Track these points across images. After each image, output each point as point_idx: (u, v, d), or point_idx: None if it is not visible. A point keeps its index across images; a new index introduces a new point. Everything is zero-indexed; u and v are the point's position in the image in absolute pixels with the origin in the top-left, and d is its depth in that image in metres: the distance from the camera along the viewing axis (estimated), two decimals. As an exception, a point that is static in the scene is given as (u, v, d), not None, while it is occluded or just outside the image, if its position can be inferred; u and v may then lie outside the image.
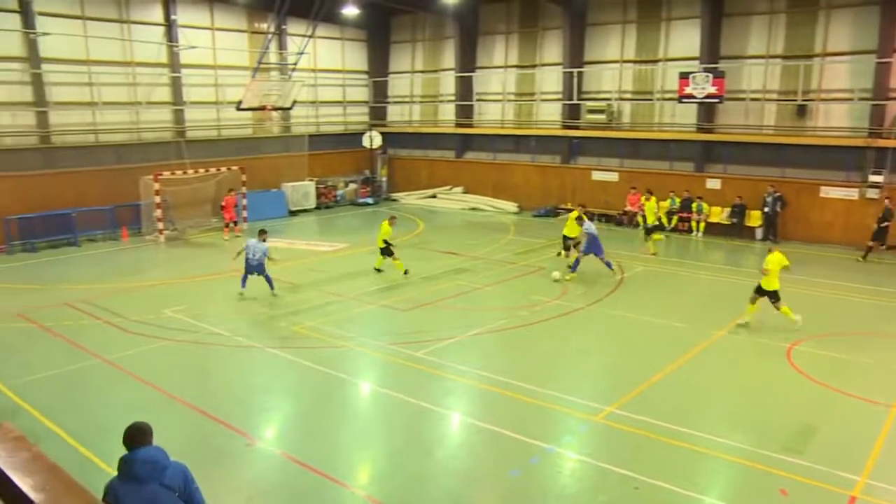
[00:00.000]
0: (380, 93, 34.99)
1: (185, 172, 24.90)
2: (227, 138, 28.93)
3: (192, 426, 9.71)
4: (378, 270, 18.03)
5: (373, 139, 32.57)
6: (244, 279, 15.96)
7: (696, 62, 24.82)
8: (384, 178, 33.96)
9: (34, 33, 22.64)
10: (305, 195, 30.10)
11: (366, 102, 35.15)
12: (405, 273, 17.29)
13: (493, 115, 31.26)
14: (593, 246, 16.88)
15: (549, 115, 29.41)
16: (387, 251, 17.81)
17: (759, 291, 13.43)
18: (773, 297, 13.28)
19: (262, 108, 25.60)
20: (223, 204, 23.60)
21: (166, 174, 24.18)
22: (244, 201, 26.31)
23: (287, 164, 30.44)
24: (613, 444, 9.12)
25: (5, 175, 22.58)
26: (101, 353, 12.41)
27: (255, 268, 15.83)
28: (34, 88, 23.19)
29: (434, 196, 32.52)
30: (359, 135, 33.21)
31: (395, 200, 33.27)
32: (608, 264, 17.02)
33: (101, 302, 15.81)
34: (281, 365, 11.95)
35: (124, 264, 20.21)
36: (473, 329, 13.65)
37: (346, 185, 32.64)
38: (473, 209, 30.40)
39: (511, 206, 29.65)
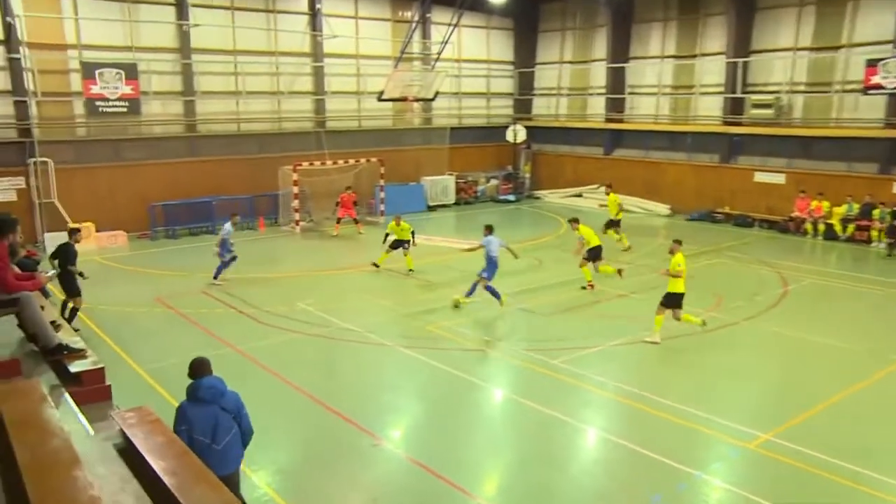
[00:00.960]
0: (525, 84, 34.87)
1: (323, 163, 26.04)
2: (366, 129, 29.95)
3: (319, 421, 10.07)
4: (376, 266, 18.52)
5: (517, 133, 32.53)
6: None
7: (890, 46, 22.69)
8: (527, 175, 33.81)
9: (187, 24, 24.60)
10: (444, 190, 30.54)
11: (510, 94, 35.14)
12: (410, 271, 17.17)
13: (646, 110, 30.24)
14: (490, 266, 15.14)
15: (708, 110, 28.04)
16: (396, 244, 18.23)
17: None
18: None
19: (404, 99, 26.30)
20: (339, 200, 24.28)
21: (305, 165, 25.34)
22: (382, 194, 27.15)
23: (427, 157, 31.04)
24: (769, 475, 8.61)
25: (153, 163, 24.57)
26: (233, 341, 13.12)
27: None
28: (183, 78, 25.09)
29: (580, 195, 32.00)
30: (502, 128, 33.31)
31: (537, 198, 33.00)
32: (491, 291, 15.12)
33: (235, 291, 16.77)
34: (412, 365, 12.15)
35: (259, 254, 21.32)
36: (617, 339, 13.27)
37: (487, 180, 32.80)
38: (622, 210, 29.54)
39: (662, 208, 28.54)
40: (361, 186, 27.67)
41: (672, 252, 13.12)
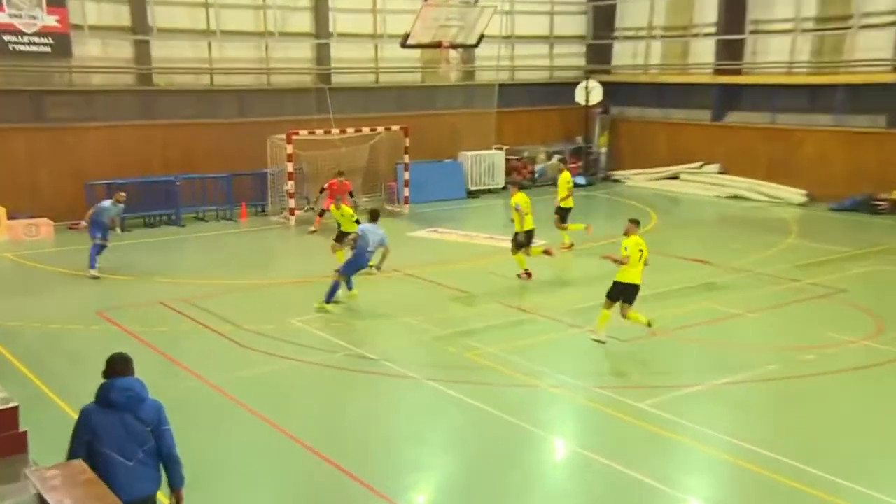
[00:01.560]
0: (603, 24, 34.74)
1: (328, 132, 26.24)
2: (386, 86, 30.18)
3: (318, 480, 10.02)
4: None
5: (590, 92, 32.46)
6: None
7: None
8: (603, 149, 33.71)
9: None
10: (491, 169, 30.68)
11: (582, 38, 35.06)
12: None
13: (775, 55, 29.88)
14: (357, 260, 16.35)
15: (871, 51, 27.38)
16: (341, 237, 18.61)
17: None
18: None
19: (437, 46, 26.34)
20: (325, 186, 23.99)
21: (303, 133, 25.52)
22: (406, 175, 27.24)
23: (468, 124, 31.15)
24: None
25: (90, 126, 24.70)
26: (203, 371, 13.14)
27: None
28: (133, 9, 25.23)
29: (676, 177, 31.82)
30: (570, 85, 33.27)
31: (617, 181, 32.83)
32: (340, 285, 16.41)
33: (207, 303, 16.81)
34: (444, 405, 12.10)
35: (241, 253, 21.49)
36: (727, 375, 13.07)
37: (549, 156, 32.81)
38: (735, 197, 29.34)
39: (796, 195, 28.19)
40: (379, 164, 27.89)
41: (626, 233, 14.37)
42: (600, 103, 33.08)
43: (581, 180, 32.17)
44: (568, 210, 21.88)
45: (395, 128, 27.18)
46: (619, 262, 14.18)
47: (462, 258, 20.44)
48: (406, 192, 27.34)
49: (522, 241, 18.43)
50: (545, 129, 33.51)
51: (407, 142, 27.19)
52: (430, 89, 31.02)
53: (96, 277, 18.57)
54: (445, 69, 29.80)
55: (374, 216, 16.66)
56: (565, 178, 21.93)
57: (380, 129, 27.14)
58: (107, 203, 18.95)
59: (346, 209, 18.77)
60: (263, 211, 26.51)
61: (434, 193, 28.36)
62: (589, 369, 13.56)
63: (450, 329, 15.28)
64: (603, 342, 14.41)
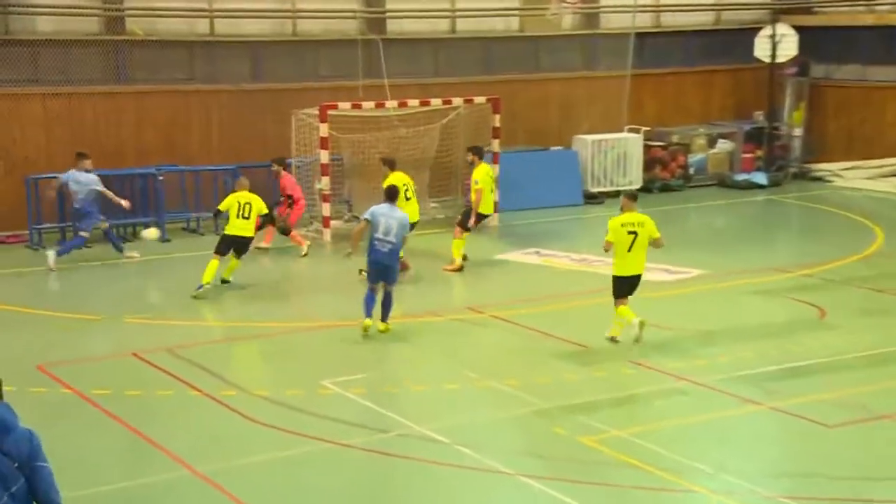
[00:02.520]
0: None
1: (380, 105, 26.54)
2: (466, 38, 30.58)
3: None
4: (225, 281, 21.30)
5: (778, 43, 32.30)
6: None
7: None
8: (797, 131, 33.41)
9: None
10: (621, 162, 30.74)
11: (767, -40, 34.82)
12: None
13: None
14: None
15: None
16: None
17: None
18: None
19: (544, -25, 26.56)
20: (282, 183, 24.59)
21: (344, 107, 25.84)
22: (495, 170, 27.29)
23: (588, 95, 31.39)
24: None
25: (34, 90, 25.35)
26: (190, 457, 13.17)
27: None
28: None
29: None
30: (747, 33, 33.25)
31: (818, 179, 32.48)
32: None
33: (200, 355, 17.09)
34: (548, 516, 12.14)
35: (251, 281, 21.76)
36: None
37: (710, 143, 32.79)
38: None
39: None
40: (454, 153, 28.16)
41: (622, 209, 17.36)
42: (794, 60, 32.94)
43: (760, 178, 31.98)
44: (483, 218, 23.83)
45: (480, 100, 27.37)
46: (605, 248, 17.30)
47: (576, 294, 20.44)
48: (494, 194, 27.38)
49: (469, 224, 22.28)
50: (706, 102, 33.58)
51: (497, 120, 27.37)
52: (532, 42, 31.29)
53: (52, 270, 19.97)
54: (556, 11, 29.97)
55: (390, 194, 18.48)
56: (484, 172, 23.38)
57: (457, 101, 27.36)
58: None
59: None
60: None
61: (536, 197, 28.39)
62: (769, 468, 13.36)
63: (556, 401, 15.20)
64: (617, 340, 17.35)
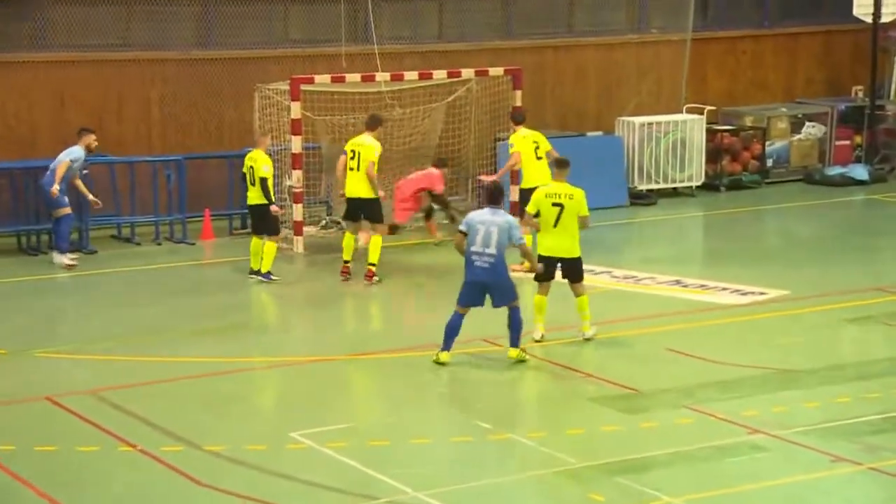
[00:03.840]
0: None
1: (368, 78, 26.52)
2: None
3: None
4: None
5: (884, -1, 32.27)
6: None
7: None
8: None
9: None
10: (678, 151, 30.81)
11: None
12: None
13: None
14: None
15: None
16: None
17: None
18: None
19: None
20: (399, 184, 25.11)
21: (322, 79, 25.97)
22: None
23: (634, 64, 31.60)
24: None
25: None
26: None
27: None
28: None
29: None
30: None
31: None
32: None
33: (135, 399, 17.12)
34: None
35: (200, 306, 21.97)
36: None
37: (797, 127, 32.78)
38: None
39: None
40: (464, 139, 28.48)
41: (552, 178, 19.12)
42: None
43: (859, 172, 31.94)
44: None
45: (497, 71, 27.39)
46: (530, 227, 18.54)
47: (620, 322, 20.47)
48: (515, 193, 27.39)
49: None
50: (788, 74, 33.64)
51: (518, 97, 27.36)
52: (566, -2, 31.28)
53: (72, 265, 20.55)
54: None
55: (493, 196, 18.39)
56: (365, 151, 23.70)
57: (467, 73, 27.39)
58: (77, 148, 21.47)
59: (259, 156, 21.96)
60: (244, 227, 26.90)
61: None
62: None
63: (593, 458, 15.10)
64: (538, 340, 18.26)
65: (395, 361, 18.98)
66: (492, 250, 17.61)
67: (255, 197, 22.74)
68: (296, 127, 24.97)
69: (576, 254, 18.55)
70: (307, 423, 16.11)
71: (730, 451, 15.43)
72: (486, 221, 17.74)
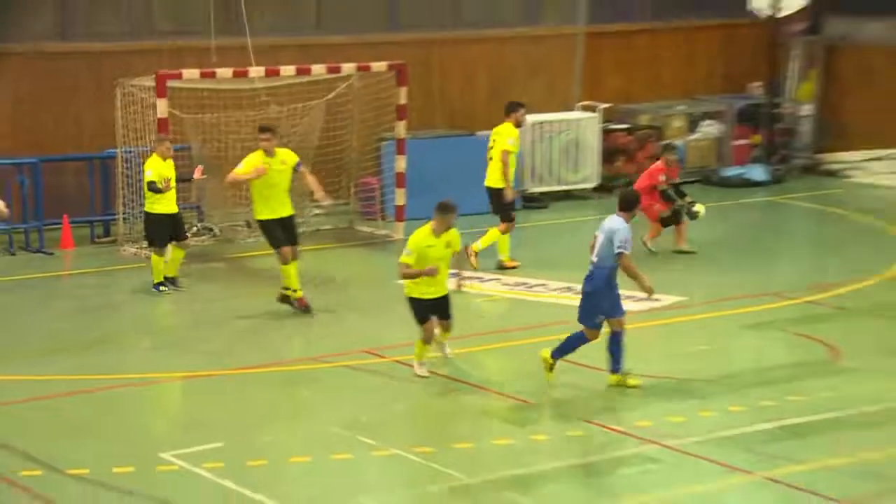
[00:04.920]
0: None
1: (240, 73, 26.51)
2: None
3: None
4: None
5: (781, -7, 32.93)
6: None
7: None
8: (807, 109, 34.04)
9: None
10: (573, 152, 31.26)
11: None
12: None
13: None
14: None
15: None
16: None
17: None
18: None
19: None
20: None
21: (191, 74, 25.96)
22: (400, 162, 27.63)
23: (525, 59, 31.88)
24: None
25: None
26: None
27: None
28: None
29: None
30: (737, -19, 33.82)
31: (834, 174, 33.12)
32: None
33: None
34: None
35: (61, 321, 21.91)
36: None
37: (693, 125, 33.40)
38: None
39: None
40: (345, 140, 28.63)
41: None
42: (802, 14, 33.64)
43: (758, 173, 32.50)
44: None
45: (380, 65, 27.62)
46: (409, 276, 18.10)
47: (511, 332, 20.81)
48: (400, 196, 27.73)
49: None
50: (686, 70, 34.19)
51: (403, 96, 27.61)
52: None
53: None
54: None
55: (624, 202, 18.40)
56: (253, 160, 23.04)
57: (348, 68, 27.61)
58: None
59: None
60: (107, 235, 27.03)
61: (456, 200, 28.40)
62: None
63: (485, 473, 15.32)
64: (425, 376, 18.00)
65: (271, 376, 19.12)
66: (592, 258, 17.96)
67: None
68: (162, 126, 24.80)
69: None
70: (179, 442, 16.13)
71: (622, 464, 15.77)
72: (602, 228, 17.91)
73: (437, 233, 17.89)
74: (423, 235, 18.05)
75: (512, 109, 25.44)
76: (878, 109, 33.39)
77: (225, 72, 26.25)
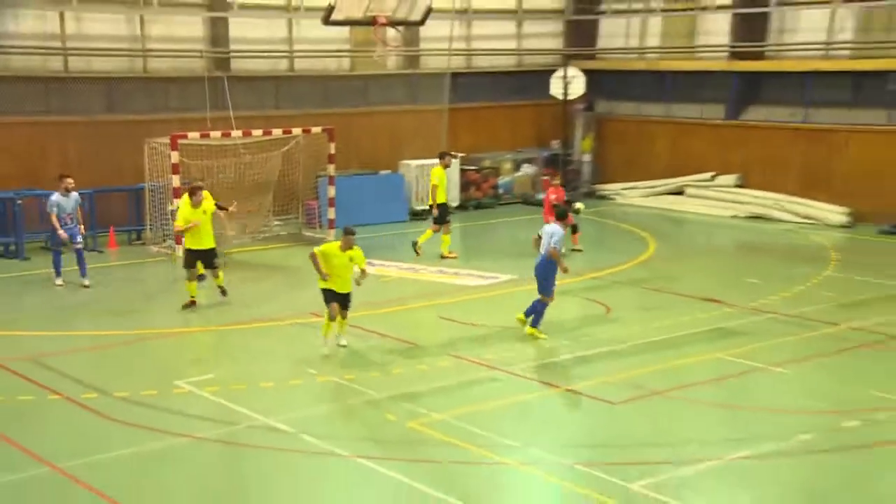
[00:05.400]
0: (586, -6, 35.19)
1: (226, 135, 26.16)
2: (304, 75, 30.42)
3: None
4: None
5: (569, 83, 32.93)
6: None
7: None
8: (586, 157, 34.10)
9: None
10: (440, 184, 30.92)
11: (559, 13, 35.55)
12: None
13: (808, 34, 30.53)
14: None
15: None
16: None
17: None
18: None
19: (371, 23, 26.43)
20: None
21: (193, 136, 25.46)
22: (331, 191, 27.31)
23: (412, 125, 31.53)
24: None
25: None
26: (51, 455, 12.88)
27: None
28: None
29: (681, 192, 32.43)
30: (544, 74, 33.87)
31: (604, 197, 33.20)
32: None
33: (60, 362, 16.73)
34: (380, 490, 12.14)
35: (108, 295, 21.44)
36: (744, 447, 13.24)
37: (516, 167, 33.24)
38: (757, 217, 29.95)
39: (835, 214, 28.75)
40: (295, 177, 28.10)
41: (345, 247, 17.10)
42: (583, 97, 33.57)
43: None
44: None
45: (317, 129, 27.24)
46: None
47: (405, 299, 20.64)
48: (331, 213, 27.32)
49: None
50: (512, 132, 34.04)
51: (332, 148, 27.26)
52: (362, 80, 31.34)
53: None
54: (382, 53, 29.92)
55: (560, 215, 18.59)
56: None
57: (296, 131, 27.18)
58: (56, 197, 20.65)
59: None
60: (139, 239, 26.47)
61: (368, 215, 28.27)
62: (568, 440, 13.65)
63: (388, 391, 15.32)
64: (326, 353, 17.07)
65: (246, 329, 18.89)
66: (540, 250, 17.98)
67: None
68: (175, 169, 24.49)
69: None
70: (187, 374, 16.06)
71: (476, 383, 15.90)
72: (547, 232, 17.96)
73: (343, 249, 16.88)
74: (333, 247, 17.12)
75: (440, 157, 25.54)
76: (629, 157, 33.56)
77: (216, 133, 25.85)
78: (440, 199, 24.81)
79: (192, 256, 20.27)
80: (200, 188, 20.78)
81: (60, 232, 21.24)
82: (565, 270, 18.19)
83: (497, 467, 12.75)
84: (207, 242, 20.30)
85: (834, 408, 14.72)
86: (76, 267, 21.79)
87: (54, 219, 21.16)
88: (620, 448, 13.35)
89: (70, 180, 21.38)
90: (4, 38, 26.00)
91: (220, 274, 20.57)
